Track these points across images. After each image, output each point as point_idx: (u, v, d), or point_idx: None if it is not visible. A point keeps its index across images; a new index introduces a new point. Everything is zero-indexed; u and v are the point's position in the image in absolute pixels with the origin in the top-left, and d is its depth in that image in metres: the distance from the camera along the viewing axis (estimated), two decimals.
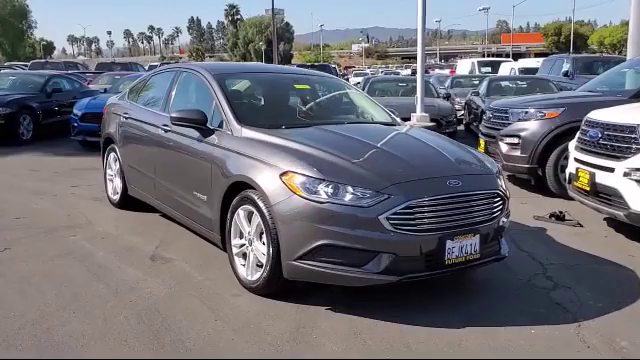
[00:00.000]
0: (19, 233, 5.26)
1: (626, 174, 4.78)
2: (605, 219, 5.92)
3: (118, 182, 6.07)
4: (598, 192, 5.15)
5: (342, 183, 3.46)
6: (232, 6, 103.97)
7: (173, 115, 4.47)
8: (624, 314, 3.68)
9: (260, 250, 3.79)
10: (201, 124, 4.39)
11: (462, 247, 3.58)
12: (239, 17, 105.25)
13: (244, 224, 3.93)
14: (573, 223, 5.82)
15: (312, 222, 3.43)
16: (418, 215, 3.44)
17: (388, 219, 3.37)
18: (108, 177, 6.34)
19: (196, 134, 4.48)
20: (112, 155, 6.19)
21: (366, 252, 3.41)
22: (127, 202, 6.01)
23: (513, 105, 7.77)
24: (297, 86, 5.22)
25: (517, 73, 19.93)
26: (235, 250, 4.06)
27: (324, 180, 3.48)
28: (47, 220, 5.73)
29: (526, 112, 7.37)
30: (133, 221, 5.71)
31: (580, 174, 5.40)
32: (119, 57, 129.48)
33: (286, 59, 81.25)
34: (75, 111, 10.94)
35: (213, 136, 4.33)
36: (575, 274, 4.38)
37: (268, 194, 3.62)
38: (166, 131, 4.94)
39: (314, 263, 3.47)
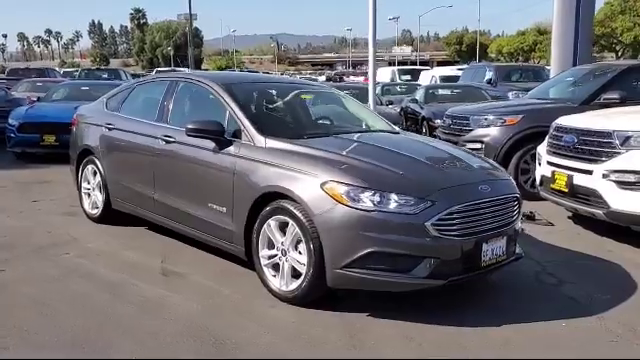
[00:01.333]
0: (5, 254, 4.92)
1: (605, 176, 5.21)
2: (570, 217, 6.41)
3: (99, 196, 5.82)
4: (576, 193, 5.56)
5: (386, 191, 3.56)
6: (138, 10, 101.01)
7: (189, 126, 4.38)
8: (634, 304, 4.02)
9: (298, 260, 3.81)
10: (219, 135, 4.34)
11: (493, 249, 3.79)
12: (145, 21, 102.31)
13: (276, 234, 3.94)
14: (544, 222, 6.24)
15: (360, 230, 3.50)
16: (458, 220, 3.61)
17: (433, 225, 3.51)
18: (84, 191, 6.05)
19: (210, 145, 4.41)
20: (90, 168, 5.92)
21: (413, 258, 3.53)
22: (108, 216, 5.78)
23: (473, 112, 8.19)
24: (303, 96, 5.27)
25: (438, 81, 20.84)
26: (264, 261, 4.05)
27: (369, 189, 3.56)
28: (29, 238, 5.39)
29: (486, 119, 7.82)
30: (121, 236, 5.49)
31: (557, 177, 5.81)
32: (13, 62, 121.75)
33: (196, 64, 79.79)
34: (11, 121, 10.27)
35: (231, 147, 4.29)
36: (572, 270, 4.72)
37: (309, 204, 3.66)
38: (168, 142, 4.82)
39: (361, 270, 3.54)
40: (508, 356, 3.26)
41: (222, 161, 4.31)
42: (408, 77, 25.83)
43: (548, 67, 18.23)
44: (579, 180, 5.49)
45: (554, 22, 12.37)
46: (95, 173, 5.86)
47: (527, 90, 15.21)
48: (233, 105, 4.49)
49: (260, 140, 4.19)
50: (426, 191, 3.60)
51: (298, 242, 3.81)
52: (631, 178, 5.05)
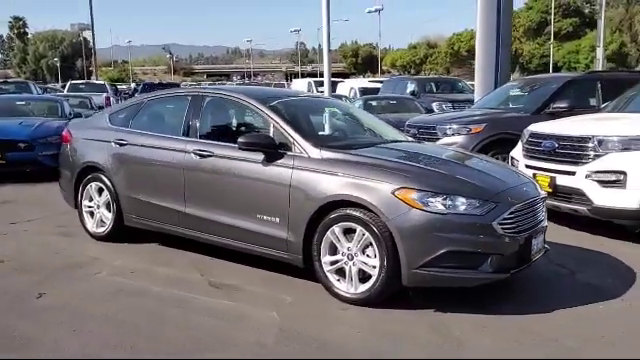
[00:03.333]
0: (31, 276, 4.73)
1: (587, 176, 5.90)
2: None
3: (106, 213, 5.69)
4: (558, 192, 6.22)
5: (455, 195, 3.91)
6: (18, 18, 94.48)
7: (242, 140, 4.51)
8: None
9: (366, 263, 4.05)
10: (272, 148, 4.49)
11: (537, 243, 4.26)
12: (24, 31, 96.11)
13: (341, 240, 4.16)
14: None
15: (436, 232, 3.82)
16: (516, 219, 4.04)
17: (499, 224, 3.91)
18: (86, 209, 5.87)
19: (259, 158, 4.54)
20: (93, 185, 5.77)
21: (481, 255, 3.90)
22: (115, 234, 5.67)
23: (437, 122, 8.80)
24: (328, 109, 5.50)
25: (357, 93, 21.59)
26: (327, 267, 4.24)
27: (440, 193, 3.90)
28: (43, 260, 5.17)
29: (451, 128, 8.44)
30: (140, 252, 5.42)
31: (538, 178, 6.44)
32: None
33: (88, 75, 76.27)
34: None
35: (283, 159, 4.45)
36: (576, 261, 5.30)
37: (383, 210, 3.92)
38: (203, 157, 4.87)
39: (436, 269, 3.86)
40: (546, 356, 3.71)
41: (274, 173, 4.46)
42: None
43: (469, 81, 19.55)
44: (562, 181, 6.15)
45: (477, 43, 13.14)
46: (101, 190, 5.72)
47: (450, 101, 16.39)
48: (278, 119, 4.65)
49: (315, 152, 4.39)
50: (488, 194, 4.00)
51: (366, 246, 4.05)
52: (611, 177, 5.76)
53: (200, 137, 5.04)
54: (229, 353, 3.41)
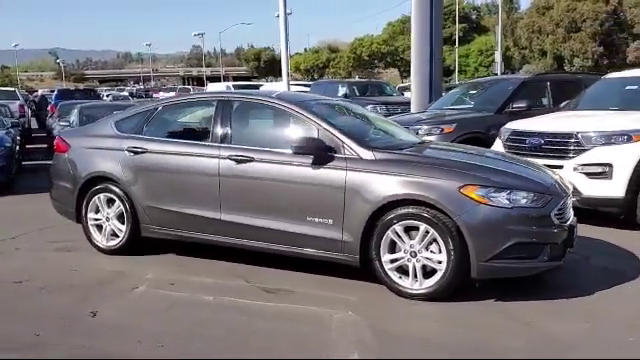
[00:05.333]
0: (66, 296, 4.43)
1: (575, 169, 6.41)
2: None
3: (119, 225, 5.41)
4: None
5: (517, 189, 4.16)
6: None
7: (296, 145, 4.52)
8: None
9: (431, 259, 4.19)
10: (323, 151, 4.51)
11: (576, 232, 4.60)
12: None
13: (404, 238, 4.27)
14: None
15: (504, 225, 4.05)
16: (563, 209, 4.35)
17: (555, 215, 4.20)
18: (92, 222, 5.53)
19: (307, 161, 4.54)
20: (102, 196, 5.46)
21: (541, 245, 4.17)
22: (130, 246, 5.42)
23: (405, 123, 9.08)
24: (354, 112, 5.57)
25: None
26: (388, 265, 4.34)
27: (504, 188, 4.12)
28: (64, 278, 4.84)
29: (424, 128, 8.78)
30: (165, 263, 5.24)
31: None
32: None
33: None
34: None
35: (336, 162, 4.48)
36: (584, 248, 5.70)
37: (450, 207, 4.09)
38: (240, 162, 4.79)
39: (504, 261, 4.08)
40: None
41: (327, 175, 4.48)
42: None
43: (398, 84, 20.05)
44: None
45: (412, 48, 13.55)
46: (110, 201, 5.43)
47: (383, 103, 16.88)
48: (323, 123, 4.67)
49: (366, 153, 4.47)
50: (543, 187, 4.29)
51: (429, 243, 4.20)
52: (597, 169, 6.30)
53: (234, 142, 4.94)
54: (337, 354, 3.42)
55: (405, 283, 4.30)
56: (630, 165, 6.16)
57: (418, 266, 4.25)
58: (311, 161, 4.54)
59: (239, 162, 4.81)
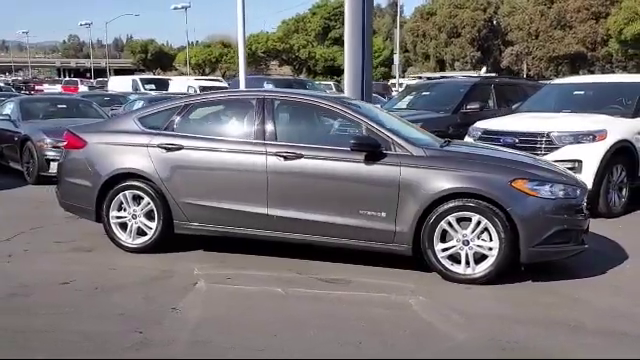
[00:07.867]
0: (125, 295, 4.36)
1: None
2: None
3: (147, 222, 5.32)
4: None
5: (555, 182, 4.72)
6: None
7: (354, 142, 4.77)
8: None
9: (483, 246, 4.64)
10: (376, 148, 4.79)
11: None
12: None
13: (457, 228, 4.67)
14: None
15: (549, 214, 4.59)
16: (586, 201, 4.98)
17: (585, 205, 4.81)
18: (116, 220, 5.39)
19: (359, 157, 4.80)
20: (127, 193, 5.34)
21: (575, 231, 4.77)
22: (160, 244, 5.37)
23: None
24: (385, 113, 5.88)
25: (197, 90, 21.39)
26: (440, 254, 4.72)
27: (547, 182, 4.67)
28: (109, 278, 4.75)
29: None
30: (204, 259, 5.28)
31: None
32: None
33: None
34: None
35: (388, 158, 4.79)
36: None
37: (502, 198, 4.56)
38: (289, 158, 4.94)
39: (548, 246, 4.63)
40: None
41: (381, 171, 4.78)
42: (152, 86, 25.47)
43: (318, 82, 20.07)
44: None
45: (346, 47, 14.03)
46: (138, 198, 5.33)
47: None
48: (370, 122, 4.99)
49: (418, 150, 4.83)
50: (574, 180, 4.90)
51: (481, 232, 4.64)
52: (569, 165, 7.09)
53: (279, 139, 5.07)
54: (441, 334, 3.75)
55: (458, 269, 4.70)
56: (596, 161, 7.05)
57: (470, 253, 4.67)
58: (364, 157, 4.81)
59: (287, 159, 4.96)
